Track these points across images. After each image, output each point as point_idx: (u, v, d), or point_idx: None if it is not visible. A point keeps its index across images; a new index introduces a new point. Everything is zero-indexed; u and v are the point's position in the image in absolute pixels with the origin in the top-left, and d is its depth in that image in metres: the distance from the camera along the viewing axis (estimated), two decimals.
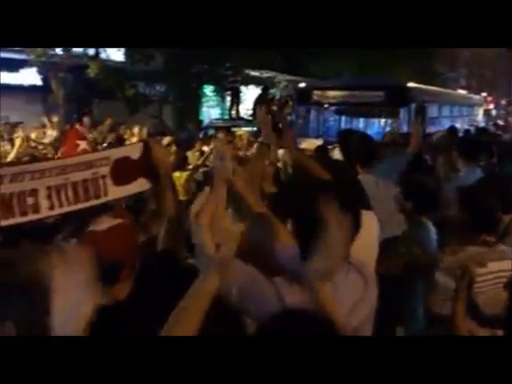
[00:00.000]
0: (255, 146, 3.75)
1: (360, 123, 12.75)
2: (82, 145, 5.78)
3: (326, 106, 12.18)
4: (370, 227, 2.53)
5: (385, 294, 1.83)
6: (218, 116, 17.69)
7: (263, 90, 14.37)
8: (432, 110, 13.31)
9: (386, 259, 2.70)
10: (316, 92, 12.07)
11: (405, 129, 9.77)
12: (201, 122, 14.86)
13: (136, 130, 8.59)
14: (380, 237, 2.65)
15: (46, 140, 8.57)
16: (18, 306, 1.20)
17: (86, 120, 10.95)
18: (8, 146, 6.19)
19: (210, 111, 18.27)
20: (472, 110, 18.83)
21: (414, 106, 11.11)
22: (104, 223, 1.68)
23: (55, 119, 10.09)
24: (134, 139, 7.92)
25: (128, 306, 1.72)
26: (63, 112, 13.39)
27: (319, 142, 7.98)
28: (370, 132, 8.06)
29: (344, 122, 12.52)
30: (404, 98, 11.01)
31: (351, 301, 1.59)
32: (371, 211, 2.67)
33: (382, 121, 12.48)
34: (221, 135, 7.54)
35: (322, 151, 5.25)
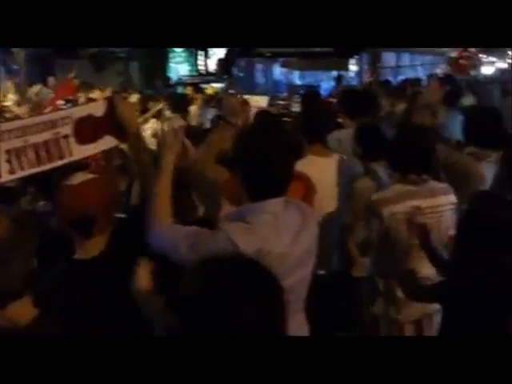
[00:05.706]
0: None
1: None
2: None
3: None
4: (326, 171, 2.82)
5: None
6: (186, 72, 17.31)
7: None
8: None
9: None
10: None
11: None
12: (169, 78, 14.57)
13: (96, 93, 8.22)
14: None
15: (8, 103, 8.39)
16: None
17: (50, 80, 10.66)
18: None
19: (178, 67, 17.85)
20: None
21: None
22: (78, 178, 1.77)
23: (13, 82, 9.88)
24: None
25: (101, 262, 1.78)
26: (24, 74, 12.96)
27: (265, 99, 7.17)
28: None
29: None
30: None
31: (292, 232, 1.67)
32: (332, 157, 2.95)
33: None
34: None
35: None
